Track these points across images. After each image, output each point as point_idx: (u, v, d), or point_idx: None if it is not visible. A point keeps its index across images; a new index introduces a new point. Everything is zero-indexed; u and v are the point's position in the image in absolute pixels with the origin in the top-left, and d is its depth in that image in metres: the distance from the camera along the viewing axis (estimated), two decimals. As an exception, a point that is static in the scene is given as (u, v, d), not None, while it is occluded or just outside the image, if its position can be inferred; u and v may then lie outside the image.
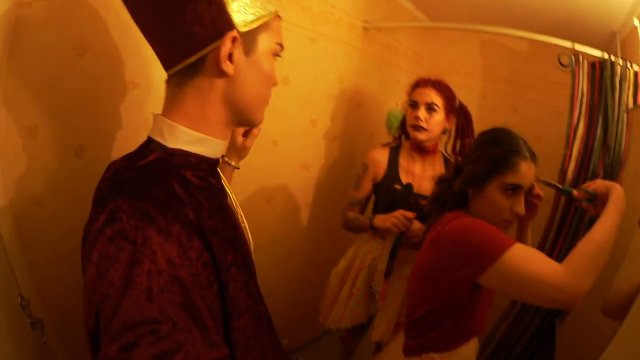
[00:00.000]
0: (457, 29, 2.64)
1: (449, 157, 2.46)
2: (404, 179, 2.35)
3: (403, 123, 2.50)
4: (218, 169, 1.18)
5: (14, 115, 1.42)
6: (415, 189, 2.31)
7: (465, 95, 2.37)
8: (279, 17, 1.10)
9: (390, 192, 2.36)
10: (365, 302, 2.46)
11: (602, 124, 2.16)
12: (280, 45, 1.10)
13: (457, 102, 2.35)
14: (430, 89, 2.27)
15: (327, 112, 2.99)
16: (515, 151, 1.52)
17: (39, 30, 1.42)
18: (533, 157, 1.55)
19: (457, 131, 2.41)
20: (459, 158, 2.25)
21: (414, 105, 2.31)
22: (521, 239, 1.77)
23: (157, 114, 1.05)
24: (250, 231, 1.32)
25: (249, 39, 1.01)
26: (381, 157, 2.45)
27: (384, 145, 2.54)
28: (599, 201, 1.47)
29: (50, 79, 1.48)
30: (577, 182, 2.20)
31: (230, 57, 0.98)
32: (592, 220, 1.43)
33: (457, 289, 1.44)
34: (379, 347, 2.53)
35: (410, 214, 2.13)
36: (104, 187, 0.92)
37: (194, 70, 0.99)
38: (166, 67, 1.05)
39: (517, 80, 3.48)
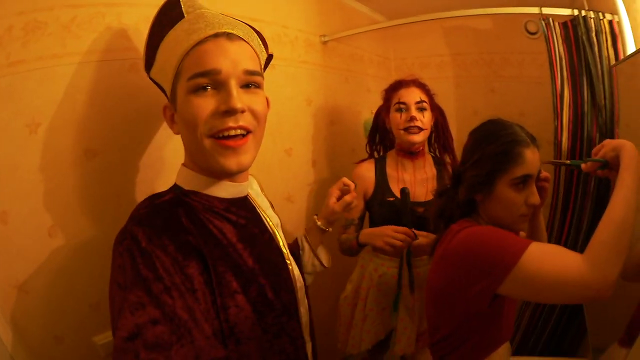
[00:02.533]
0: (418, 22, 2.54)
1: (436, 156, 2.38)
2: (395, 189, 2.25)
3: (377, 133, 2.47)
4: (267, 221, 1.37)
5: None
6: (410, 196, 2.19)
7: (440, 88, 2.31)
8: (198, 44, 1.11)
9: (383, 206, 2.26)
10: (381, 319, 2.36)
11: (587, 84, 2.08)
12: (199, 73, 1.09)
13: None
14: (415, 88, 2.21)
15: (301, 138, 2.88)
16: (514, 141, 1.43)
17: None
18: (533, 140, 1.46)
19: (435, 128, 2.34)
20: (442, 152, 2.33)
21: (402, 108, 2.21)
22: (534, 225, 1.67)
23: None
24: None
25: (173, 97, 1.17)
26: (367, 171, 2.37)
27: (365, 160, 2.48)
28: (612, 165, 1.35)
29: (7, 161, 1.48)
30: (573, 150, 2.13)
31: (172, 119, 1.22)
32: (600, 186, 1.32)
33: (475, 305, 1.36)
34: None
35: (403, 229, 2.01)
36: (127, 222, 1.10)
37: None
38: None
39: (489, 60, 3.40)
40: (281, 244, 1.36)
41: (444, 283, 1.46)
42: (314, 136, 2.98)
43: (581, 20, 2.06)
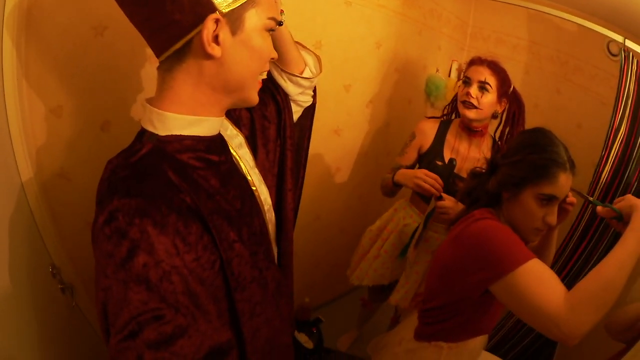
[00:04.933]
0: (503, 2, 2.49)
1: (497, 142, 2.39)
2: (447, 156, 2.33)
3: (454, 100, 2.45)
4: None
5: (38, 98, 1.47)
6: (456, 169, 2.29)
7: (509, 70, 2.28)
8: None
9: (430, 167, 2.33)
10: (390, 264, 2.52)
11: (645, 131, 2.05)
12: (274, 19, 1.07)
13: (512, 87, 2.27)
14: (485, 68, 2.20)
15: (362, 78, 2.92)
16: (556, 161, 1.47)
17: (54, 13, 1.44)
18: (572, 167, 1.50)
19: (507, 118, 2.33)
20: (504, 143, 2.29)
21: (466, 82, 2.25)
22: (546, 241, 1.72)
23: (146, 102, 1.06)
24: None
25: (234, 17, 0.99)
26: (429, 129, 2.44)
27: (435, 118, 2.52)
28: (625, 220, 1.38)
29: (70, 60, 1.52)
30: (609, 188, 2.12)
31: (216, 39, 0.98)
32: (616, 234, 1.36)
33: (469, 290, 1.47)
34: (396, 315, 2.68)
35: (434, 175, 2.12)
36: (102, 187, 0.96)
37: (181, 55, 1.00)
38: (156, 55, 1.05)
39: (564, 61, 3.25)
40: (245, 170, 1.26)
41: (452, 260, 1.56)
42: (375, 79, 3.02)
43: (660, 67, 1.98)
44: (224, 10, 0.95)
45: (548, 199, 1.48)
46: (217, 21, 0.95)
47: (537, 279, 1.28)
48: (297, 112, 1.54)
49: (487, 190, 1.63)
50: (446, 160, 2.31)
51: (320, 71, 1.54)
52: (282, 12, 1.20)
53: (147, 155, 0.98)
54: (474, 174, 1.77)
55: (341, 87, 2.79)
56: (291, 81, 1.46)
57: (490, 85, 2.17)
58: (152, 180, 0.93)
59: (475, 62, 2.26)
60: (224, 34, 0.98)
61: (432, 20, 3.35)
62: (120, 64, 1.64)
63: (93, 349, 1.77)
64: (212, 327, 0.91)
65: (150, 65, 1.70)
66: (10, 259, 1.26)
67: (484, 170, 1.72)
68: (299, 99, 1.52)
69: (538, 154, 1.49)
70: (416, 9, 3.14)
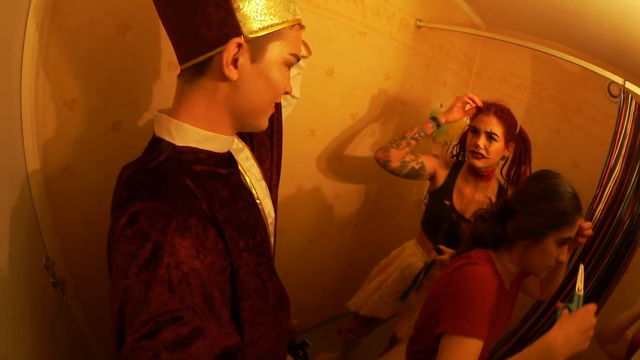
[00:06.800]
0: (510, 42, 2.54)
1: (503, 184, 2.43)
2: (455, 197, 2.37)
3: (463, 143, 2.48)
4: None
5: (54, 88, 1.47)
6: (460, 210, 2.33)
7: (511, 107, 2.32)
8: (299, 26, 1.10)
9: (437, 204, 2.40)
10: (389, 299, 2.54)
11: (638, 171, 2.10)
12: (295, 55, 1.10)
13: (518, 128, 2.30)
14: (492, 117, 2.22)
15: (369, 107, 2.98)
16: (575, 207, 1.53)
17: (81, 6, 1.45)
18: (582, 209, 1.57)
19: (514, 157, 2.37)
20: (512, 185, 2.33)
21: (474, 131, 2.27)
22: (555, 272, 1.75)
23: (162, 114, 1.07)
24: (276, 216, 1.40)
25: (257, 46, 1.01)
26: (446, 165, 2.48)
27: (450, 157, 2.58)
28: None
29: (91, 56, 1.53)
30: (602, 224, 2.16)
31: (235, 63, 1.00)
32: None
33: (434, 328, 1.48)
34: (392, 344, 2.63)
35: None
36: (121, 192, 0.96)
37: (201, 70, 1.02)
38: (179, 62, 1.07)
39: (564, 102, 3.34)
40: (249, 183, 1.27)
41: (438, 295, 1.59)
42: (381, 110, 3.08)
43: (658, 111, 2.03)
44: (248, 36, 0.97)
45: (566, 242, 1.55)
46: (239, 45, 0.97)
47: (462, 357, 1.32)
48: (284, 107, 1.58)
49: (497, 234, 1.64)
50: (454, 201, 2.35)
51: (310, 53, 1.55)
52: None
53: (165, 162, 1.00)
54: (482, 218, 1.76)
55: (348, 115, 2.85)
56: None
57: (497, 135, 2.20)
58: (174, 185, 0.95)
59: (484, 109, 2.28)
60: (244, 59, 1.00)
61: (440, 55, 3.44)
62: (139, 67, 1.67)
63: (77, 347, 1.78)
64: (224, 332, 0.90)
65: (169, 73, 1.73)
66: (9, 247, 1.25)
67: (489, 214, 1.72)
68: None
69: (559, 201, 1.53)
70: (426, 44, 3.22)
